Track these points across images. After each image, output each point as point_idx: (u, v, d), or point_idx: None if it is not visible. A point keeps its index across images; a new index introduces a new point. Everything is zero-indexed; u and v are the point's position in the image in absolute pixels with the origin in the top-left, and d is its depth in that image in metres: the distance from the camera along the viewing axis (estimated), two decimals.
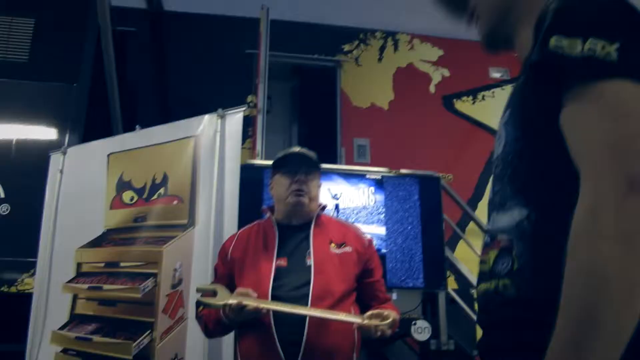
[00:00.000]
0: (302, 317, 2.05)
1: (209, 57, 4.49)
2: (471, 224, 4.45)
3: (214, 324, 2.18)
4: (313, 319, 2.05)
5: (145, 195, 3.10)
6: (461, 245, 4.40)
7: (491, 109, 4.94)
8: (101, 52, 3.58)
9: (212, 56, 4.50)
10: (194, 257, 2.91)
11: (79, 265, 3.22)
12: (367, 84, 4.93)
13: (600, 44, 0.87)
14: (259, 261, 2.24)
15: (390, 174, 3.76)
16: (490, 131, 4.79)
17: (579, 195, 0.84)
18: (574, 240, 0.82)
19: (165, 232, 2.99)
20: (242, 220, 2.91)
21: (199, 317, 2.28)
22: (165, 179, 3.11)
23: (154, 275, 2.93)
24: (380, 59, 5.00)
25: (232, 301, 2.01)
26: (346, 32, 4.93)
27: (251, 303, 2.01)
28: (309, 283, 2.13)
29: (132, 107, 4.09)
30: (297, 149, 2.48)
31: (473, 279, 3.78)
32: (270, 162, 3.50)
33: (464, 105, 4.91)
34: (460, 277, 4.12)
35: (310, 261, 2.20)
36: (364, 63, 4.87)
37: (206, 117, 3.20)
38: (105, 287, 3.05)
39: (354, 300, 2.18)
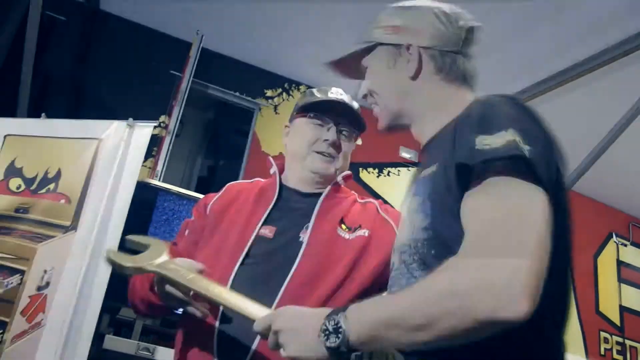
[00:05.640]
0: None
1: (132, 68, 4.39)
2: None
3: (140, 294, 1.63)
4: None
5: (33, 187, 2.94)
6: None
7: (393, 186, 5.06)
8: (24, 30, 3.44)
9: (135, 67, 4.40)
10: (68, 262, 2.76)
11: None
12: (281, 133, 4.95)
13: (518, 137, 1.01)
14: (237, 223, 1.65)
15: None
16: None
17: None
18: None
19: (45, 230, 2.83)
20: (124, 236, 2.82)
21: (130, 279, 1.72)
22: (58, 174, 2.96)
23: (22, 272, 2.74)
24: None
25: (141, 266, 1.43)
26: (272, 78, 4.96)
27: (176, 278, 1.39)
28: (292, 263, 1.55)
29: (41, 95, 3.93)
30: (343, 95, 1.82)
31: None
32: (167, 186, 3.47)
33: (368, 176, 5.01)
34: None
35: (305, 237, 1.61)
36: (282, 112, 4.90)
37: (115, 123, 3.12)
38: None
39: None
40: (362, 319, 1.01)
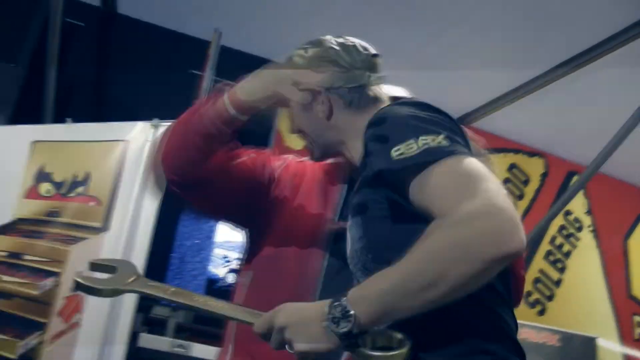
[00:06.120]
0: None
1: (152, 68, 4.40)
2: None
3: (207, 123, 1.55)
4: None
5: (63, 191, 3.00)
6: None
7: None
8: (45, 39, 3.48)
9: (156, 68, 4.41)
10: None
11: None
12: None
13: (429, 138, 1.11)
14: (308, 213, 1.53)
15: None
16: None
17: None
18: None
19: (77, 232, 2.89)
20: (154, 235, 2.86)
21: None
22: (87, 177, 3.02)
23: (57, 274, 2.80)
24: None
25: (117, 287, 1.32)
26: None
27: (157, 294, 1.30)
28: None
29: (65, 100, 3.96)
30: None
31: None
32: None
33: None
34: None
35: None
36: None
37: (140, 124, 3.15)
38: (4, 277, 2.88)
39: None
40: (367, 296, 1.02)
